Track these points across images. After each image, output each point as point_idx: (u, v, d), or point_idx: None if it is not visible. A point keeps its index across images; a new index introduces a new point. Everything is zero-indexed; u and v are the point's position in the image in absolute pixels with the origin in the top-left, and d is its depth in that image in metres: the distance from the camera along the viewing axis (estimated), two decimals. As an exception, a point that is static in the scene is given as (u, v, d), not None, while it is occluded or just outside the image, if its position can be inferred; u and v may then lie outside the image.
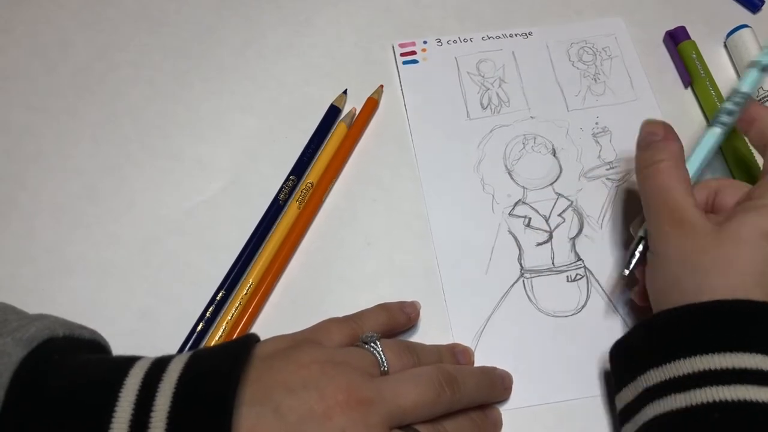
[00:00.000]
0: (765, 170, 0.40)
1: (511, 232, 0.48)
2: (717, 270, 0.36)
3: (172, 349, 0.43)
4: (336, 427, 0.33)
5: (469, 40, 0.56)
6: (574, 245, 0.47)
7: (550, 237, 0.47)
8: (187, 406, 0.32)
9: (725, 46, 0.56)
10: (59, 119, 0.52)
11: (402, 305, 0.44)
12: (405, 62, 0.55)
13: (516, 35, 0.56)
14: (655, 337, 0.37)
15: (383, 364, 0.38)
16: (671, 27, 0.56)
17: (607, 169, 0.50)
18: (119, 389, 0.32)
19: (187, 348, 0.43)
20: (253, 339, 0.36)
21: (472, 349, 0.43)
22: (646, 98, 0.54)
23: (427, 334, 0.44)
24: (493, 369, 0.42)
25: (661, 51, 0.56)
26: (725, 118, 0.44)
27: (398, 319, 0.43)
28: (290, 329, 0.44)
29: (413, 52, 0.55)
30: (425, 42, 0.56)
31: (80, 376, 0.34)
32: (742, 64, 0.54)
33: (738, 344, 0.34)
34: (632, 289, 0.44)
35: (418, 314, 0.44)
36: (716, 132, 0.44)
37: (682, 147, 0.42)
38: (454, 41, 0.56)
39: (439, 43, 0.56)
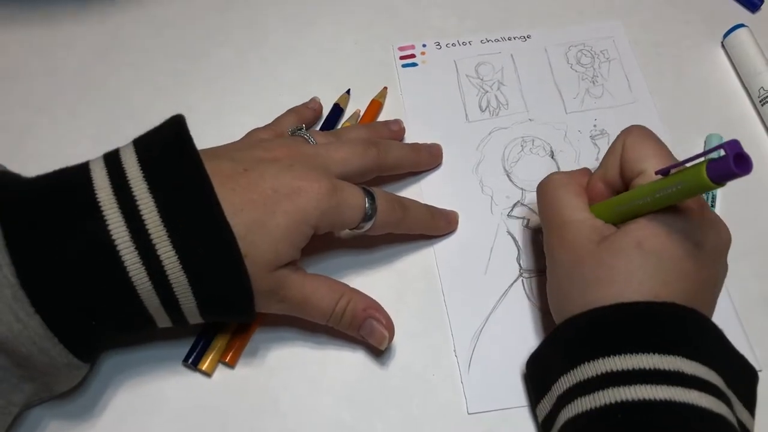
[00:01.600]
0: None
1: (509, 233, 0.48)
2: (598, 281, 0.37)
3: (174, 352, 0.43)
4: (285, 164, 0.40)
5: (467, 44, 0.57)
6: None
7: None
8: (156, 162, 0.37)
9: (723, 46, 0.57)
10: (59, 119, 0.52)
11: (305, 103, 0.51)
12: (404, 65, 0.55)
13: (514, 38, 0.57)
14: (561, 346, 0.38)
15: (313, 142, 0.44)
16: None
17: (605, 171, 0.51)
18: (87, 169, 0.38)
19: (192, 357, 0.43)
20: (179, 117, 0.40)
21: (473, 341, 0.44)
22: (644, 101, 0.54)
23: (426, 333, 0.44)
24: (422, 143, 0.50)
25: (659, 51, 0.56)
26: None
27: (306, 115, 0.50)
28: (292, 329, 0.44)
29: (412, 56, 0.56)
30: (424, 45, 0.56)
31: (43, 179, 0.38)
32: (740, 64, 0.55)
33: (635, 346, 0.35)
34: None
35: (321, 106, 0.52)
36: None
37: (585, 171, 0.43)
38: (453, 44, 0.56)
39: (438, 47, 0.56)
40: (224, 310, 0.39)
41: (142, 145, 0.39)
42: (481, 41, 0.57)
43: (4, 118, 0.52)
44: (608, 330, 0.36)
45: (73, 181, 0.37)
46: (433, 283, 0.46)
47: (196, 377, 0.43)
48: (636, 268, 0.36)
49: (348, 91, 0.53)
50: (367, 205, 0.41)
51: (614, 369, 0.34)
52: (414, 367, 0.43)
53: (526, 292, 0.46)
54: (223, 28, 0.57)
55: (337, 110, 0.52)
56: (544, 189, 0.42)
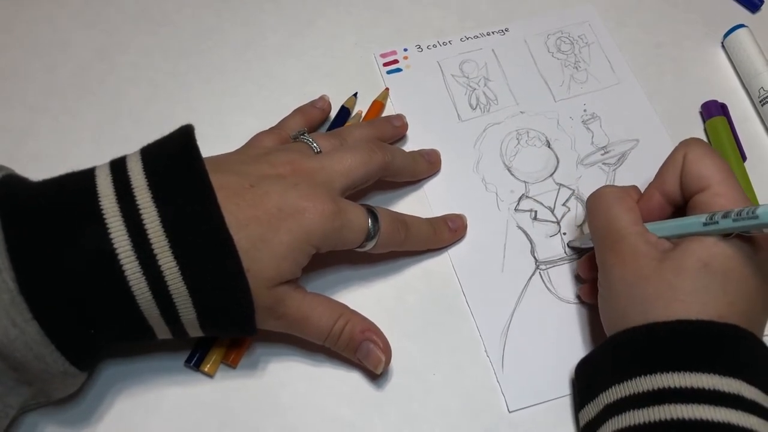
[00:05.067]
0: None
1: (520, 227, 0.48)
2: (660, 300, 0.36)
3: (175, 353, 0.43)
4: (290, 183, 0.40)
5: (448, 43, 0.57)
6: (583, 232, 0.48)
7: (559, 227, 0.48)
8: (162, 172, 0.37)
9: (723, 46, 0.57)
10: (59, 119, 0.52)
11: (312, 102, 0.51)
12: (389, 72, 0.55)
13: (493, 33, 0.57)
14: (616, 355, 0.38)
15: (316, 148, 0.44)
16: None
17: (602, 155, 0.51)
18: (92, 175, 0.37)
19: (194, 360, 0.43)
20: (188, 127, 0.40)
21: (502, 339, 0.44)
22: (628, 80, 0.55)
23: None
24: (420, 150, 0.50)
25: (659, 51, 0.56)
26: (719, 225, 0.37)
27: (313, 115, 0.50)
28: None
29: (395, 61, 0.56)
30: (405, 50, 0.56)
31: (48, 184, 0.37)
32: (740, 64, 0.55)
33: (696, 364, 0.34)
34: (579, 287, 0.46)
35: (329, 104, 0.51)
36: (700, 221, 0.37)
37: (635, 187, 0.43)
38: (434, 45, 0.56)
39: (419, 49, 0.56)
40: (224, 323, 0.39)
41: (149, 154, 0.38)
42: (461, 39, 0.57)
43: (4, 118, 0.52)
44: (668, 346, 0.36)
45: (77, 186, 0.37)
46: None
47: (198, 377, 0.43)
48: (702, 288, 0.36)
49: (355, 95, 0.53)
50: (370, 226, 0.42)
51: (672, 386, 0.34)
52: (414, 366, 0.43)
53: (545, 285, 0.46)
54: (222, 28, 0.57)
55: (344, 113, 0.52)
56: (596, 202, 0.41)
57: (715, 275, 0.36)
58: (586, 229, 0.47)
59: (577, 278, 0.46)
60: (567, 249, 0.47)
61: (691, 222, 0.38)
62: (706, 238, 0.37)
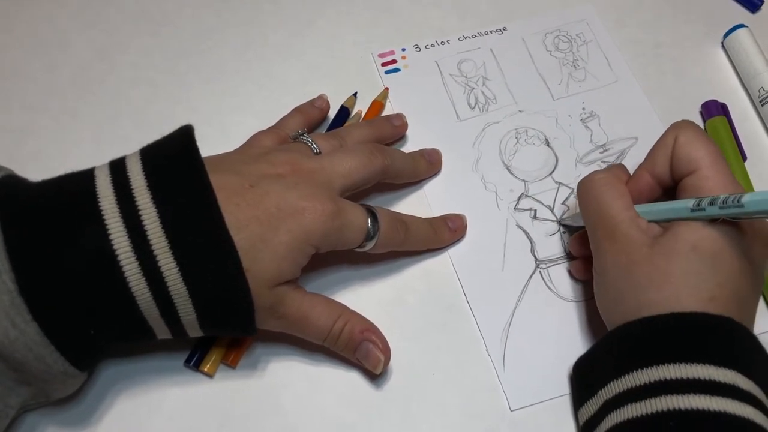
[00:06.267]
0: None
1: (519, 226, 0.48)
2: (652, 284, 0.37)
3: (175, 353, 0.43)
4: (290, 182, 0.40)
5: (446, 42, 0.57)
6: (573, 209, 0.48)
7: (559, 226, 0.48)
8: (161, 173, 0.37)
9: (723, 46, 0.57)
10: (59, 119, 0.52)
11: (311, 101, 0.51)
12: (387, 71, 0.55)
13: (491, 32, 0.57)
14: (613, 352, 0.38)
15: (315, 149, 0.44)
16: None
17: (601, 153, 0.51)
18: (92, 176, 0.37)
19: (194, 360, 0.43)
20: (188, 127, 0.40)
21: (503, 338, 0.44)
22: (626, 78, 0.55)
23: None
24: (421, 150, 0.50)
25: (659, 51, 0.56)
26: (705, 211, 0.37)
27: (312, 115, 0.50)
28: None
29: (394, 61, 0.56)
30: (404, 49, 0.56)
31: (47, 185, 0.37)
32: (740, 64, 0.55)
33: (691, 356, 0.35)
34: (570, 263, 0.46)
35: (327, 103, 0.51)
36: (687, 207, 0.38)
37: (623, 167, 0.43)
38: (432, 45, 0.56)
39: (418, 49, 0.56)
40: (224, 323, 0.39)
41: (149, 154, 0.38)
42: (459, 39, 0.57)
43: (4, 118, 0.52)
44: (663, 338, 0.36)
45: (76, 187, 0.37)
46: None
47: (198, 377, 0.43)
48: (692, 271, 0.36)
49: (355, 94, 0.53)
50: (369, 226, 0.42)
51: (668, 377, 0.34)
52: (414, 366, 0.43)
53: (546, 283, 0.46)
54: (222, 28, 0.57)
55: (344, 113, 0.52)
56: (587, 190, 0.42)
57: (704, 257, 0.36)
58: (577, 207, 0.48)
59: (569, 255, 0.47)
60: (567, 248, 0.47)
61: (679, 207, 0.38)
62: (694, 222, 0.37)
